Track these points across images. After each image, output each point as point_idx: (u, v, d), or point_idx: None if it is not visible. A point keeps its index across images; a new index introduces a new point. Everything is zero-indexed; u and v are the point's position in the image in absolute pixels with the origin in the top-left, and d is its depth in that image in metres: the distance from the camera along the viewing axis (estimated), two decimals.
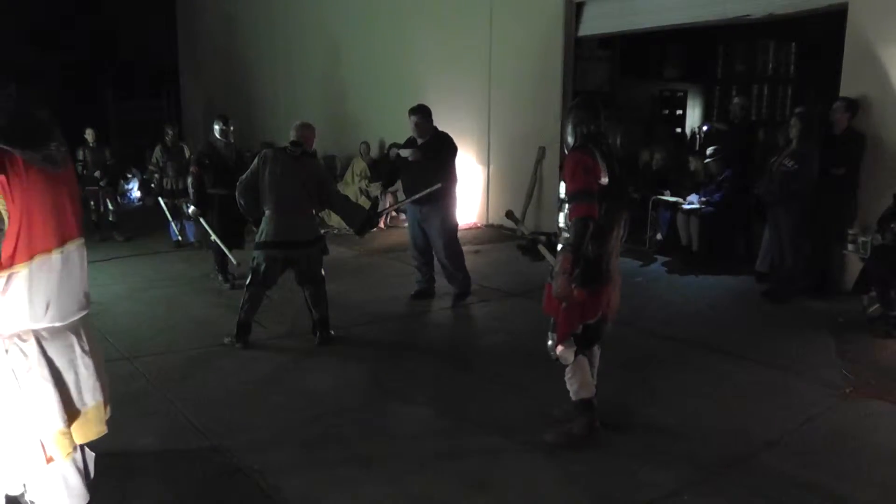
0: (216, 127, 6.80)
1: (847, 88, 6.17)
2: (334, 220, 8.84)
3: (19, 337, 1.98)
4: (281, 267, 4.97)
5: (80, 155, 9.01)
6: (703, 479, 3.22)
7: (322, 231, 5.32)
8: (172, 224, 8.78)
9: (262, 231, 4.91)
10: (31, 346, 2.00)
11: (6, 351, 1.97)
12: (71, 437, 2.12)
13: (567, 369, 3.46)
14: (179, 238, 8.77)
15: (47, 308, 2.01)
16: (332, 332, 5.12)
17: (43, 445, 2.06)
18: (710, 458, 3.40)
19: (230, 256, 6.45)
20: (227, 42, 15.07)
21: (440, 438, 3.64)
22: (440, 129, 6.13)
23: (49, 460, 2.08)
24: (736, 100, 8.24)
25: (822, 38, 7.42)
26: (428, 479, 3.22)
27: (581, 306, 3.37)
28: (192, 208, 6.72)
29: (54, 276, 2.02)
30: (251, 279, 4.94)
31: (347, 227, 5.49)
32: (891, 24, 5.90)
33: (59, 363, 2.06)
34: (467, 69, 9.86)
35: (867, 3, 6.07)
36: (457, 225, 6.21)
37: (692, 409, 3.97)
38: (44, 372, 2.02)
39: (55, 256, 2.01)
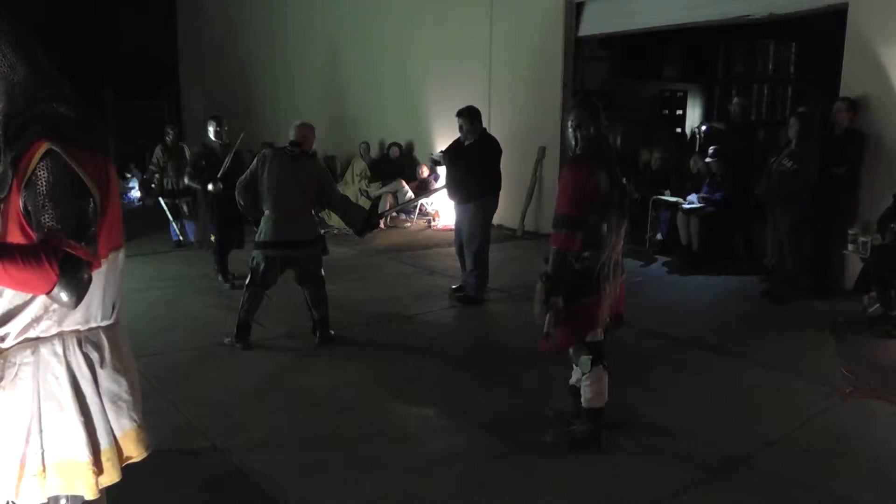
0: (210, 129, 6.82)
1: (847, 88, 6.17)
2: (334, 220, 8.83)
3: (91, 331, 1.95)
4: (280, 267, 4.96)
5: None
6: (703, 479, 3.22)
7: (322, 231, 5.32)
8: (173, 224, 8.78)
9: (262, 231, 4.91)
10: (103, 340, 1.98)
11: (80, 342, 1.92)
12: (145, 435, 2.10)
13: (585, 376, 3.43)
14: (180, 238, 8.78)
15: (114, 306, 2.01)
16: (332, 332, 5.12)
17: (119, 448, 2.00)
18: (710, 458, 3.40)
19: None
20: (227, 42, 15.08)
21: (440, 438, 3.64)
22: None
23: (126, 460, 2.04)
24: (735, 100, 8.25)
25: (822, 38, 7.42)
26: (428, 479, 3.22)
27: (576, 321, 3.34)
28: (210, 186, 6.57)
29: (118, 273, 2.02)
30: (251, 279, 4.94)
31: (347, 228, 5.49)
32: (891, 24, 5.90)
33: (125, 360, 2.05)
34: (467, 69, 9.86)
35: (867, 3, 6.07)
36: (482, 229, 6.16)
37: (692, 409, 3.97)
38: (117, 364, 2.00)
39: (121, 255, 2.01)
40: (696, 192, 7.65)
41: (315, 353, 4.96)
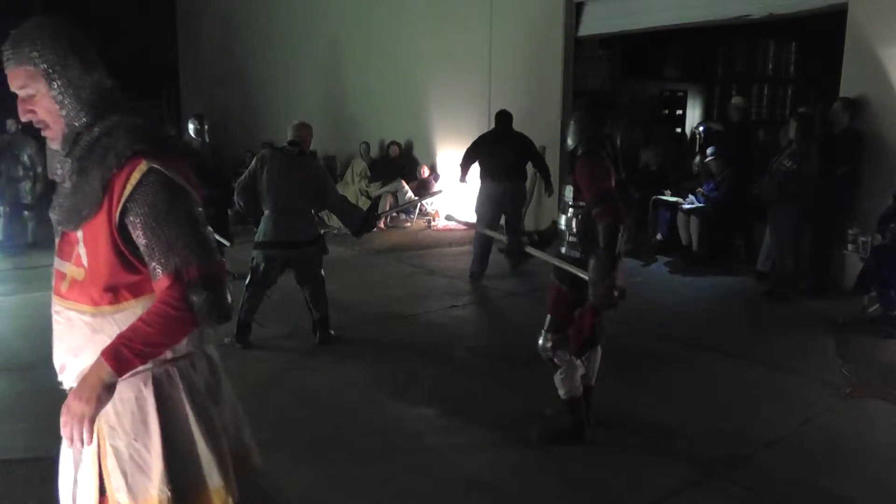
0: (191, 126, 6.82)
1: (847, 88, 6.17)
2: (334, 220, 8.83)
3: (202, 343, 1.84)
4: (280, 267, 4.96)
5: None
6: (703, 479, 3.22)
7: (322, 231, 5.31)
8: None
9: (261, 231, 4.91)
10: (211, 349, 1.90)
11: (208, 357, 1.86)
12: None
13: (560, 370, 3.46)
14: None
15: None
16: (332, 332, 5.12)
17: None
18: (710, 458, 3.40)
19: (224, 241, 6.17)
20: (227, 42, 15.07)
21: (440, 438, 3.64)
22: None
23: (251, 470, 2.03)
24: (733, 101, 8.23)
25: (822, 38, 7.42)
26: (428, 479, 3.22)
27: (591, 312, 3.37)
28: None
29: None
30: (251, 279, 4.93)
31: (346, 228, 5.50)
32: (891, 24, 5.90)
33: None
34: (467, 69, 9.86)
35: (867, 3, 6.07)
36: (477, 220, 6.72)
37: (692, 409, 3.97)
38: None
39: None
40: (696, 192, 7.64)
41: (315, 353, 4.96)
